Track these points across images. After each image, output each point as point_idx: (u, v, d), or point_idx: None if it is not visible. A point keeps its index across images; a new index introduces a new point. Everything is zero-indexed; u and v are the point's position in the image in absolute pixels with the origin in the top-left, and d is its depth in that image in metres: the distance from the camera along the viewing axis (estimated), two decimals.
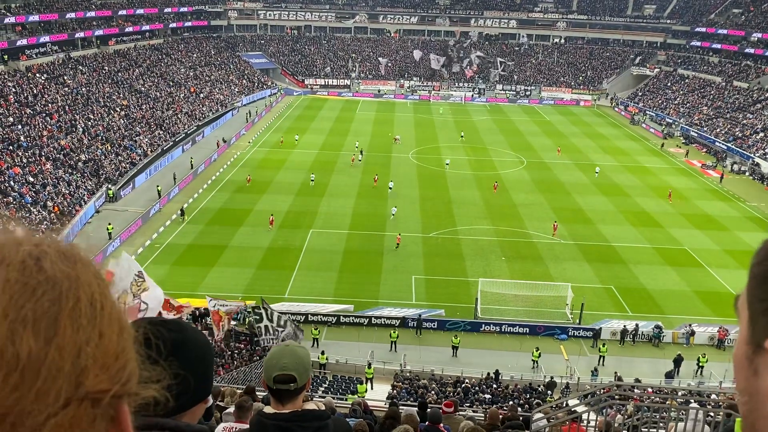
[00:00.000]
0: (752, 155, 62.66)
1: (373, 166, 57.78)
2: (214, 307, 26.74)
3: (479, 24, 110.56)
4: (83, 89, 61.74)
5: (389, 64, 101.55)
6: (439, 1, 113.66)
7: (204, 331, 25.82)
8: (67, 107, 56.05)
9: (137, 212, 44.50)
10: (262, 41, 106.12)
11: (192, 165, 55.82)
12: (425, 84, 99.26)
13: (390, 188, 51.31)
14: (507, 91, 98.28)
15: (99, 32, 75.99)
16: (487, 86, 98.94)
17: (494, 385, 26.27)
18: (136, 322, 1.66)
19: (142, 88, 70.22)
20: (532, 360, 29.52)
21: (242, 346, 28.73)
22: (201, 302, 30.10)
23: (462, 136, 70.90)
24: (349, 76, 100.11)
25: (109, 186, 47.31)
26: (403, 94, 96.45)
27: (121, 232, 40.50)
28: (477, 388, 25.55)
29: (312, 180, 52.44)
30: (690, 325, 32.03)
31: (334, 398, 24.28)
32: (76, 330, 0.74)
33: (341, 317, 32.63)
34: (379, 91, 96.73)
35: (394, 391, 24.48)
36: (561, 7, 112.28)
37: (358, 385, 25.73)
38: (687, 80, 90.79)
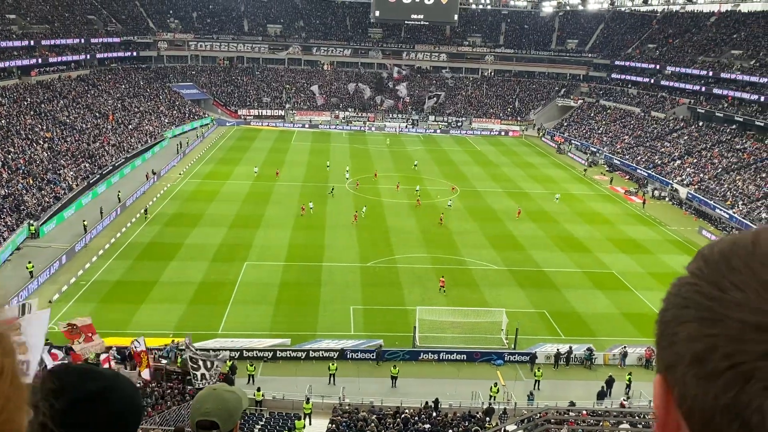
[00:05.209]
0: (671, 181, 66.07)
1: (311, 196, 57.47)
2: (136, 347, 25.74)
3: (411, 57, 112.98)
4: (2, 121, 59.05)
5: (324, 95, 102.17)
6: (372, 35, 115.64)
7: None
8: None
9: (61, 248, 42.59)
10: (194, 72, 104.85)
11: (120, 198, 54.09)
12: (360, 115, 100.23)
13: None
14: (439, 122, 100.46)
15: (20, 62, 73.23)
16: (420, 117, 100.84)
17: (434, 414, 26.21)
18: (51, 369, 1.55)
19: (67, 120, 67.86)
20: (491, 396, 29.00)
21: (173, 385, 27.66)
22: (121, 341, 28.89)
23: (415, 165, 72.32)
24: (284, 107, 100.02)
25: (31, 222, 45.14)
26: (338, 125, 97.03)
27: (43, 270, 38.58)
28: (417, 418, 25.42)
29: (348, 179, 62.71)
30: (625, 347, 33.05)
31: None
32: None
33: (278, 352, 31.95)
34: (310, 122, 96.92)
35: (333, 426, 24.06)
36: (489, 41, 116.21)
37: (296, 421, 25.17)
38: (609, 111, 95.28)
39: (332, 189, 59.87)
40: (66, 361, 18.35)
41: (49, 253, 41.97)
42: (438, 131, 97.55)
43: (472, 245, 47.44)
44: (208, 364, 26.14)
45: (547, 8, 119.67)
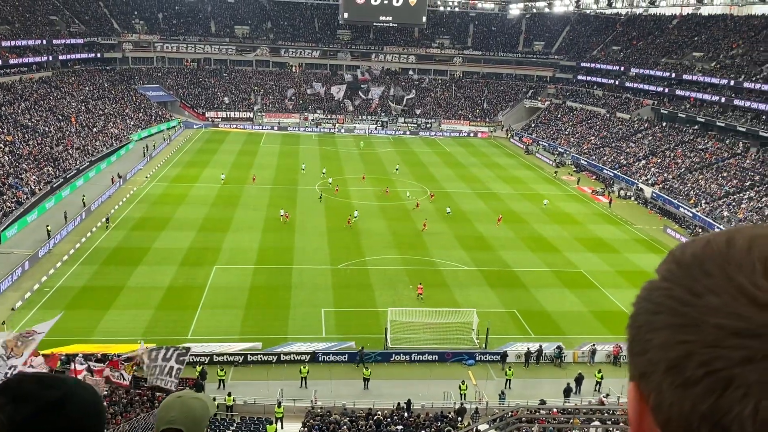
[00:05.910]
0: (636, 181, 67.32)
1: (279, 199, 57.15)
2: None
3: (380, 59, 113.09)
4: None
5: (293, 97, 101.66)
6: (341, 36, 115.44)
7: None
8: None
9: (24, 254, 41.55)
10: (160, 74, 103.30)
11: (84, 202, 53.00)
12: (329, 117, 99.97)
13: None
14: (409, 124, 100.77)
15: None
16: (390, 119, 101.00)
17: (406, 415, 26.25)
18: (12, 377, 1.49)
19: (29, 123, 66.27)
20: (461, 394, 29.31)
21: (142, 391, 27.19)
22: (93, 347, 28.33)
23: (397, 169, 71.20)
24: (252, 109, 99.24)
25: None
26: (307, 127, 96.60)
27: (6, 277, 37.58)
28: (389, 419, 25.42)
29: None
30: (594, 345, 33.53)
31: None
32: None
33: (248, 356, 31.66)
34: (279, 123, 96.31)
35: (305, 429, 23.92)
36: (457, 43, 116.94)
37: (268, 426, 24.99)
38: (575, 112, 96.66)
39: (321, 195, 59.45)
40: (23, 371, 17.90)
41: (11, 259, 40.92)
42: (407, 133, 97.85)
43: (443, 246, 47.64)
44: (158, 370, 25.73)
45: (514, 10, 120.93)
